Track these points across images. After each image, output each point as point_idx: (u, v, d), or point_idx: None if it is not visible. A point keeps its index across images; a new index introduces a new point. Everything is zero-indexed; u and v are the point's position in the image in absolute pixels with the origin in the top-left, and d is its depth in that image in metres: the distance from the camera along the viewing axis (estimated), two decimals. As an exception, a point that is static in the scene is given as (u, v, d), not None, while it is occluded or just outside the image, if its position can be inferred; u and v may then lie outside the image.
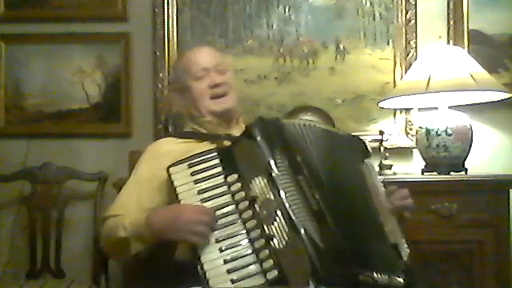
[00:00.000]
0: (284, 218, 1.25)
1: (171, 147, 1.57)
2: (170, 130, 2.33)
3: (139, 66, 2.55)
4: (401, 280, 1.31)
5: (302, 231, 1.22)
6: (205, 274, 1.24)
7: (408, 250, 1.45)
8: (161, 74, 2.51)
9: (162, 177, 1.43)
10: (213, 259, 1.26)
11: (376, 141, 2.34)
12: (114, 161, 2.46)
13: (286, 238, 1.24)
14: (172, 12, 2.53)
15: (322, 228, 1.26)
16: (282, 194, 1.28)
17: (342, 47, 2.52)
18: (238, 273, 1.23)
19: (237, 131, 1.57)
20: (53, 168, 2.42)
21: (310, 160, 1.36)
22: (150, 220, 1.37)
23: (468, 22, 2.48)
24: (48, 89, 2.56)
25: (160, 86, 2.51)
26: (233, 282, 1.22)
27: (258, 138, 1.35)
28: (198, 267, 1.25)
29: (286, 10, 2.54)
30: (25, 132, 2.54)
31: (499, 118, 2.48)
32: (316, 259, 1.19)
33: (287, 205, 1.26)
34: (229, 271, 1.24)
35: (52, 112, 2.55)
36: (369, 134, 2.43)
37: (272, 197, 1.28)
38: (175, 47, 2.53)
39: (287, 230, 1.24)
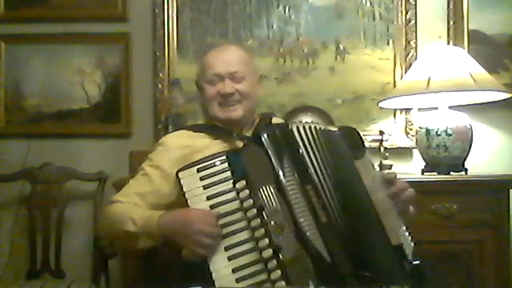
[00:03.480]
0: (291, 230, 1.27)
1: (185, 141, 1.56)
2: (169, 129, 2.33)
3: (139, 66, 2.55)
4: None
5: (309, 245, 1.25)
6: (214, 282, 1.26)
7: (412, 244, 1.41)
8: (161, 74, 2.51)
9: (173, 172, 1.42)
10: (221, 268, 1.27)
11: (376, 141, 2.34)
12: (113, 161, 2.46)
13: (293, 251, 1.25)
14: (172, 12, 2.53)
15: (330, 241, 1.28)
16: (290, 205, 1.28)
17: (341, 47, 2.52)
18: (246, 282, 1.25)
19: (250, 133, 1.57)
20: (53, 168, 2.43)
21: (317, 167, 1.34)
22: (162, 221, 1.37)
23: (468, 22, 2.48)
24: (48, 89, 2.56)
25: (160, 86, 2.51)
26: None
27: (266, 145, 1.35)
28: (210, 274, 1.27)
29: (286, 10, 2.54)
30: (25, 132, 2.55)
31: (499, 117, 2.48)
32: (321, 274, 1.23)
33: (295, 217, 1.28)
34: (237, 280, 1.25)
35: (52, 112, 2.55)
36: (369, 134, 2.43)
37: (280, 207, 1.29)
38: (175, 47, 2.53)
39: (294, 243, 1.26)
